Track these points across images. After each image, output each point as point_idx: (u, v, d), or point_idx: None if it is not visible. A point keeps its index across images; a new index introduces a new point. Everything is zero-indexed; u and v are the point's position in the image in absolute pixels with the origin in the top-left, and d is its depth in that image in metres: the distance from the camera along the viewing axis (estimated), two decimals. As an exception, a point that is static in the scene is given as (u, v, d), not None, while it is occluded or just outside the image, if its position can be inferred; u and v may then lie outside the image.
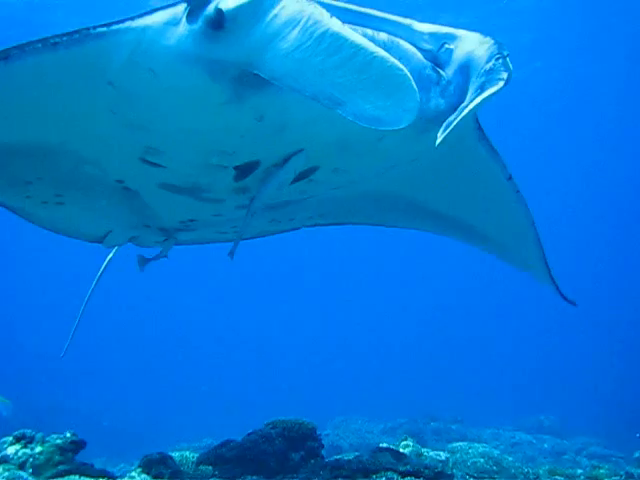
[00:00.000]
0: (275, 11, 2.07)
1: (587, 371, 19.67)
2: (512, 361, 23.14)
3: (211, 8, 2.15)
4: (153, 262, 4.10)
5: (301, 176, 2.96)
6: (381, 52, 1.97)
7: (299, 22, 2.02)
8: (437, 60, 2.58)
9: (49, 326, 21.12)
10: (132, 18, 2.25)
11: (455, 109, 2.36)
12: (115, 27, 2.24)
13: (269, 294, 34.06)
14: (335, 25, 1.99)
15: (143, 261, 4.09)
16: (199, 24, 2.20)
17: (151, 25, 2.26)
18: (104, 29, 2.23)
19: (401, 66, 1.98)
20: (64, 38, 2.21)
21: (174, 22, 2.26)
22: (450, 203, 3.65)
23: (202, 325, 31.23)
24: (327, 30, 1.99)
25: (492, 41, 2.45)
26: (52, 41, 2.21)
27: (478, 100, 2.24)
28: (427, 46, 2.57)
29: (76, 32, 2.21)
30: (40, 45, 2.22)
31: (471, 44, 2.51)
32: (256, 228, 3.93)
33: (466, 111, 2.25)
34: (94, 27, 2.22)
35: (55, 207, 3.42)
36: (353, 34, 1.98)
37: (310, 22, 2.01)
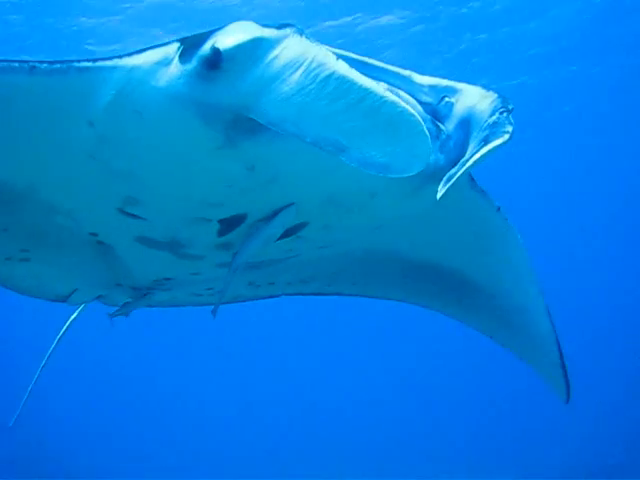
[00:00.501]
0: (276, 52, 1.95)
1: (551, 429, 19.45)
2: (476, 423, 22.77)
3: (207, 47, 2.02)
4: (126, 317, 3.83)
5: (289, 232, 2.79)
6: (391, 96, 1.86)
7: (302, 64, 1.91)
8: (437, 114, 2.49)
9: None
10: (120, 56, 2.12)
11: (454, 165, 2.26)
12: (101, 63, 2.10)
13: (236, 360, 33.16)
14: (342, 68, 1.88)
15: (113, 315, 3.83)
16: (193, 64, 2.06)
17: (140, 65, 2.12)
18: (89, 64, 2.08)
19: (412, 111, 1.87)
20: (44, 65, 2.05)
21: (165, 62, 2.11)
22: (442, 251, 3.51)
23: (168, 390, 30.14)
24: (332, 73, 1.88)
25: (495, 95, 2.38)
26: (31, 64, 2.05)
27: (483, 152, 2.13)
28: (427, 99, 2.50)
29: (58, 62, 2.06)
30: (17, 65, 2.05)
31: (473, 98, 2.43)
32: (232, 291, 3.71)
33: (470, 162, 2.15)
34: (79, 60, 2.07)
35: (19, 264, 3.13)
36: (361, 77, 1.87)
37: (314, 64, 1.89)
